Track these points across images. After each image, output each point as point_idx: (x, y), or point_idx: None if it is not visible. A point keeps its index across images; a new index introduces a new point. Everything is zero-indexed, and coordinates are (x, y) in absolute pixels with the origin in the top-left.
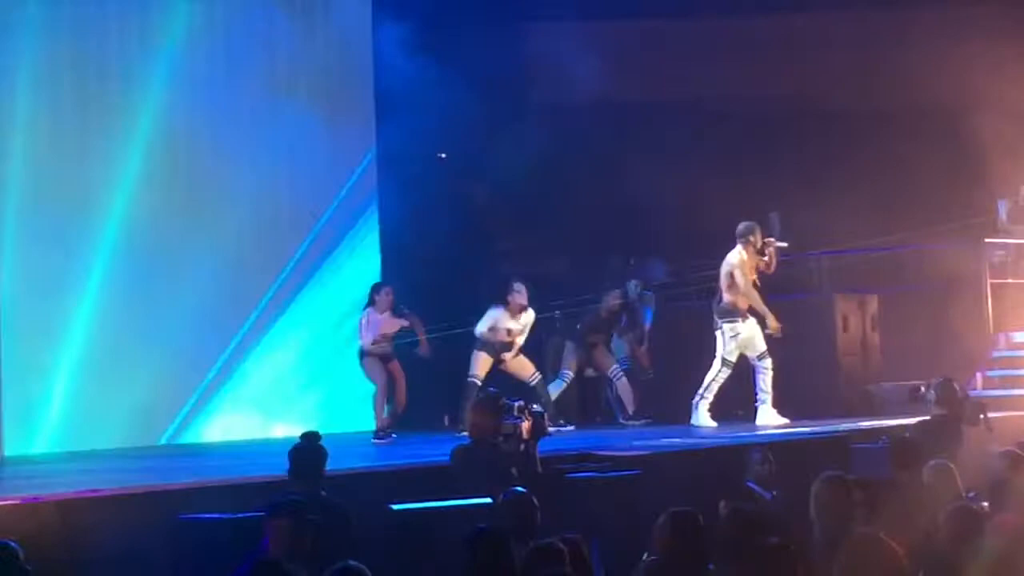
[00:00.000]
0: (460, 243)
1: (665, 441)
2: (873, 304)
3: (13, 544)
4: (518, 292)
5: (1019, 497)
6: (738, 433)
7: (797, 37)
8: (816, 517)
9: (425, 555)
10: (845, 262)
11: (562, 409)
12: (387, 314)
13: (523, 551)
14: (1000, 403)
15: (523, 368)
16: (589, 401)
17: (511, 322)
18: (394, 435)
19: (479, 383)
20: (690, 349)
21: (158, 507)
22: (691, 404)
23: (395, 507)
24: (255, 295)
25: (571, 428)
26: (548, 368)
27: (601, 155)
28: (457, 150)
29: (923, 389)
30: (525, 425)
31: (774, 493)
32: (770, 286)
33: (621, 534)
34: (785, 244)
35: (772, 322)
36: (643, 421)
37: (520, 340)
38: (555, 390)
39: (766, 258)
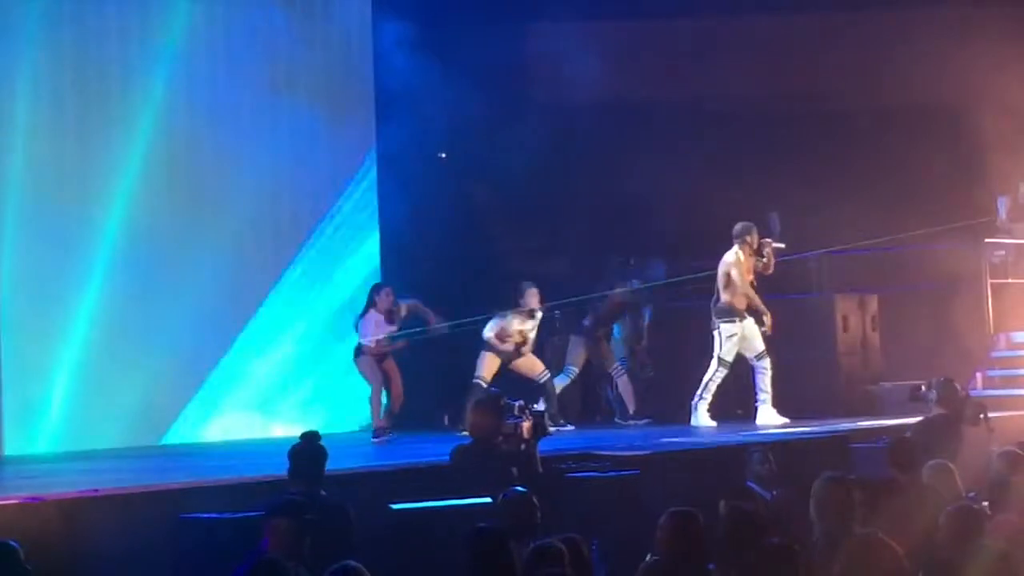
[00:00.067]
0: (460, 242)
1: (665, 441)
2: (873, 304)
3: (14, 543)
4: (530, 295)
5: (1019, 497)
6: (738, 433)
7: (798, 37)
8: (816, 517)
9: (425, 555)
10: (845, 262)
11: (562, 409)
12: (387, 314)
13: (523, 551)
14: (1000, 403)
15: (532, 367)
16: (589, 401)
17: (521, 323)
18: (392, 434)
19: (485, 385)
20: (690, 349)
21: (158, 507)
22: (691, 405)
23: (395, 507)
24: (255, 295)
25: (571, 428)
26: (551, 368)
27: (602, 154)
28: (458, 149)
29: (924, 389)
30: (526, 425)
31: (774, 493)
32: (771, 286)
33: (621, 534)
34: (783, 245)
35: (767, 319)
36: (644, 421)
37: (532, 335)
38: (559, 384)
39: (764, 259)
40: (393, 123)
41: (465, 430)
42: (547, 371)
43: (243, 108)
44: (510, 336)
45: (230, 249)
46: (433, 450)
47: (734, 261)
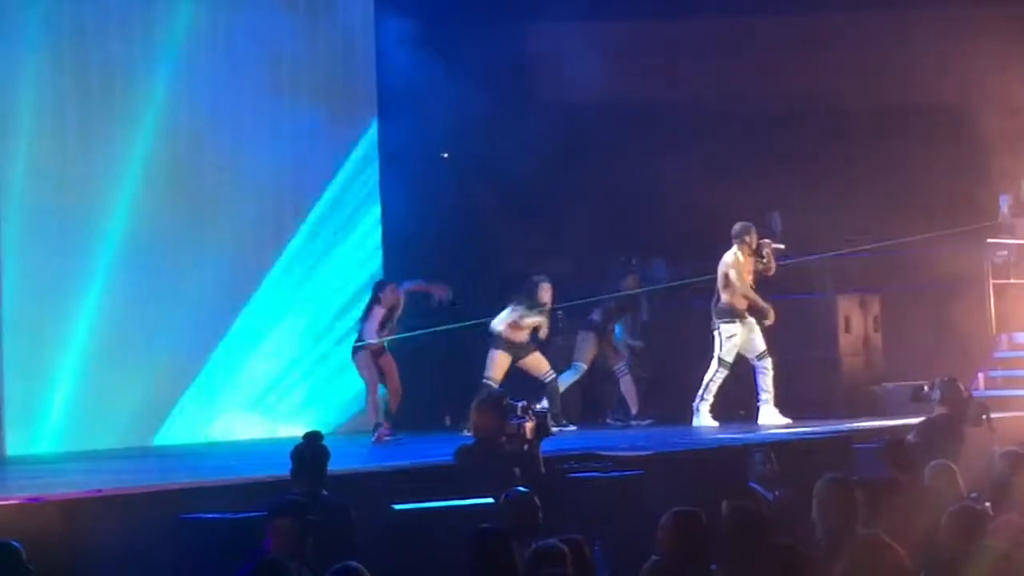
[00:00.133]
0: (463, 241)
1: (667, 441)
2: (875, 304)
3: (15, 544)
4: (543, 289)
5: (1021, 498)
6: (740, 433)
7: (800, 37)
8: (818, 518)
9: (427, 555)
10: (847, 262)
11: (564, 409)
12: (390, 310)
13: (524, 551)
14: (1002, 403)
15: (540, 365)
16: (589, 402)
17: (533, 318)
18: (388, 435)
19: (495, 385)
20: (692, 349)
21: (160, 507)
22: (693, 406)
23: (397, 507)
24: (257, 295)
25: (573, 428)
26: (554, 368)
27: (605, 154)
28: (461, 148)
29: (926, 389)
30: (529, 425)
31: (776, 493)
32: (773, 286)
33: (624, 534)
34: (782, 246)
35: (770, 315)
36: (647, 422)
37: (545, 327)
38: (567, 380)
39: (764, 260)
40: (396, 122)
41: (469, 430)
42: (552, 371)
43: (245, 108)
44: (522, 329)
45: (232, 249)
46: (435, 450)
47: (732, 262)
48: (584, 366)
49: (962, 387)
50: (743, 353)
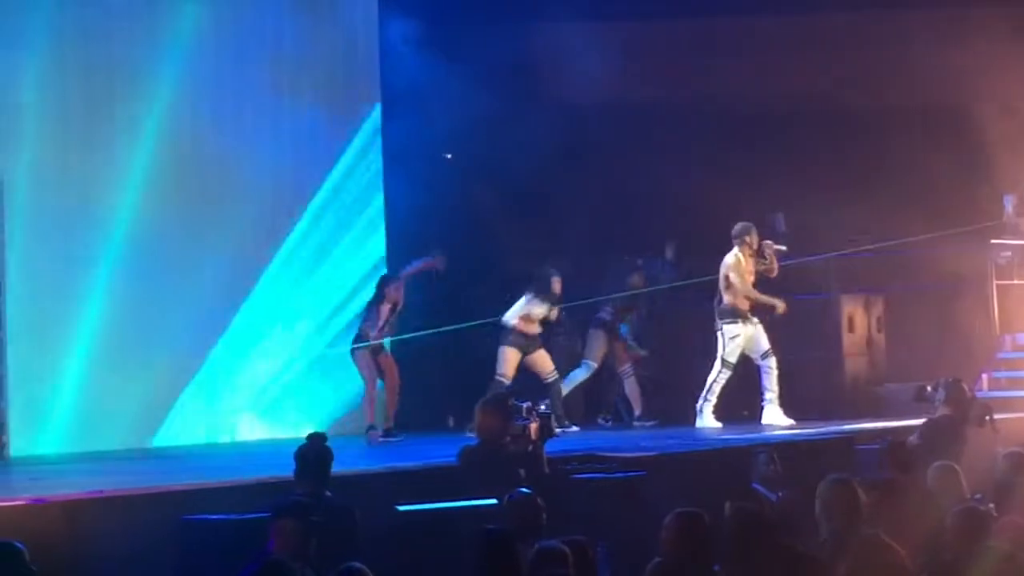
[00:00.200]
0: (465, 240)
1: (671, 442)
2: (879, 305)
3: (19, 544)
4: (555, 282)
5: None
6: (744, 434)
7: (800, 37)
8: (822, 518)
9: (430, 556)
10: (851, 263)
11: (567, 410)
12: (394, 306)
13: (528, 552)
14: (1006, 404)
15: (544, 365)
16: (592, 403)
17: (544, 310)
18: (381, 438)
19: (507, 383)
20: (695, 351)
21: (163, 508)
22: (696, 408)
23: (400, 508)
24: (261, 295)
25: (576, 429)
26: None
27: (608, 154)
28: (462, 147)
29: (929, 389)
30: (533, 426)
31: (779, 494)
32: (776, 287)
33: (627, 535)
34: (784, 247)
35: (780, 305)
36: (651, 423)
37: (554, 314)
38: (578, 378)
39: (766, 261)
40: (399, 120)
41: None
42: (556, 372)
43: (247, 108)
44: (534, 320)
45: (234, 250)
46: (438, 451)
47: (733, 263)
48: (594, 364)
49: (966, 388)
50: (747, 353)
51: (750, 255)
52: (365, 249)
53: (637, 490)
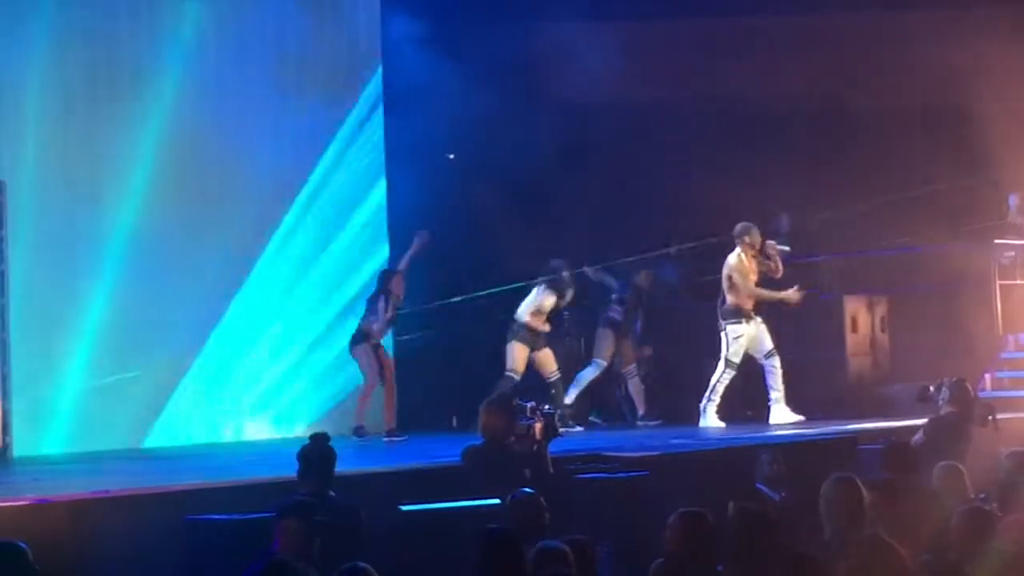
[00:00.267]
0: (467, 240)
1: (674, 442)
2: (882, 305)
3: (22, 544)
4: (567, 275)
5: None
6: (747, 434)
7: (800, 37)
8: (826, 518)
9: (434, 556)
10: (854, 263)
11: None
12: (396, 301)
13: (530, 552)
14: (1009, 404)
15: (548, 363)
16: (595, 403)
17: (553, 302)
18: (389, 436)
19: (517, 378)
20: (698, 351)
21: (167, 508)
22: (700, 408)
23: (404, 508)
24: (264, 294)
25: (580, 429)
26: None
27: (607, 153)
28: (464, 146)
29: (931, 389)
30: (537, 426)
31: (783, 494)
32: (779, 287)
33: (630, 535)
34: (787, 248)
35: (791, 295)
36: (655, 423)
37: (570, 295)
38: (588, 377)
39: (769, 261)
40: (402, 117)
41: None
42: (559, 372)
43: (250, 107)
44: (543, 314)
45: (236, 249)
46: (442, 451)
47: (736, 264)
48: (604, 362)
49: (970, 387)
50: (751, 353)
51: (752, 255)
52: (367, 249)
53: (640, 490)
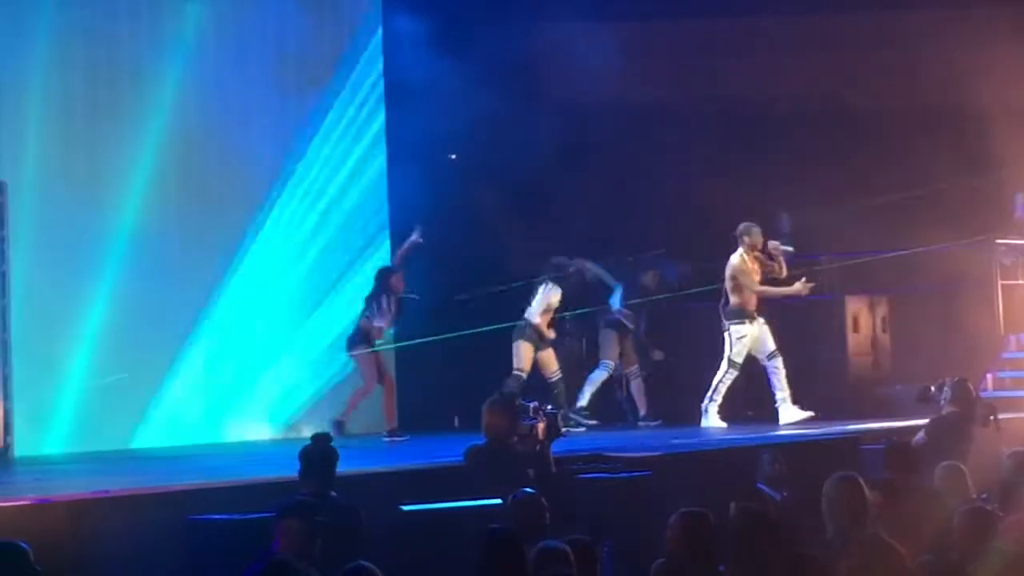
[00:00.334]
0: (467, 239)
1: (676, 442)
2: (884, 305)
3: (23, 544)
4: (571, 268)
5: None
6: (748, 434)
7: (800, 37)
8: (828, 518)
9: (435, 556)
10: (856, 263)
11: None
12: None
13: (531, 552)
14: (1010, 404)
15: (550, 363)
16: (600, 404)
17: (559, 295)
18: (391, 436)
19: (524, 376)
20: (700, 351)
21: (168, 508)
22: (702, 408)
23: (405, 508)
24: (265, 295)
25: (582, 429)
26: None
27: (609, 154)
28: (465, 146)
29: (932, 389)
30: (540, 426)
31: (784, 494)
32: (780, 286)
33: (632, 535)
34: (790, 248)
35: (798, 287)
36: (656, 423)
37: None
38: (597, 379)
39: (773, 262)
40: (403, 117)
41: None
42: (560, 372)
43: (251, 107)
44: (551, 312)
45: (237, 250)
46: (444, 451)
47: (738, 264)
48: (612, 363)
49: (972, 387)
50: (754, 354)
51: (754, 255)
52: (370, 249)
53: (642, 490)
